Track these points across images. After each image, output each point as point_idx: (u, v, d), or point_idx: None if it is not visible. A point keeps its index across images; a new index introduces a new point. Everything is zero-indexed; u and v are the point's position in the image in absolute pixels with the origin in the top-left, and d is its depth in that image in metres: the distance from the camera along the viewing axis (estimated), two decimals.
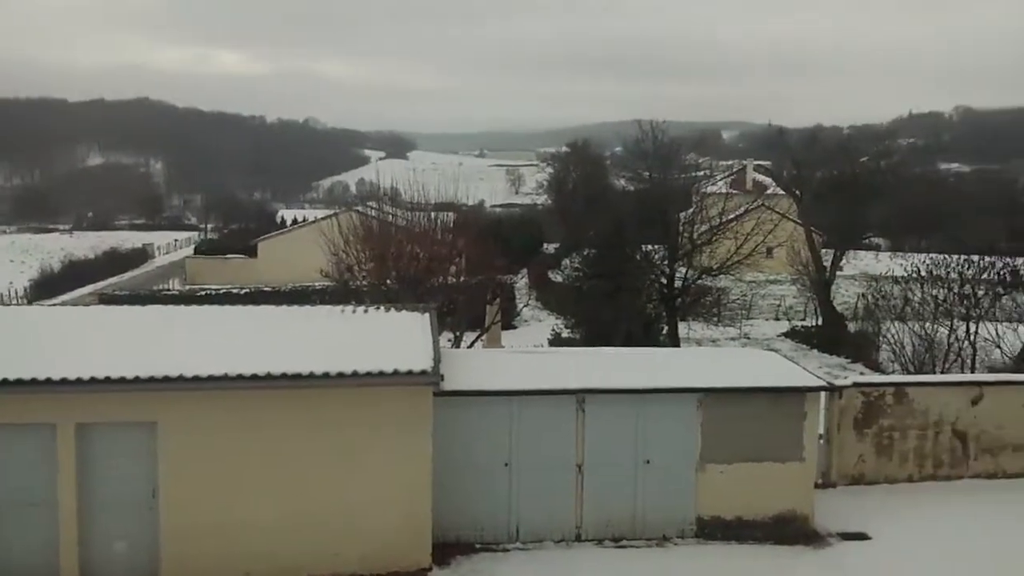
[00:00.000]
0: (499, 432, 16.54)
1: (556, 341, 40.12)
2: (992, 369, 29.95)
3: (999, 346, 30.81)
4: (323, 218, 57.92)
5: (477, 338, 34.60)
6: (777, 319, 55.94)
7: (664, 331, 41.19)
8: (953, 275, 33.47)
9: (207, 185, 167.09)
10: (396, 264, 32.05)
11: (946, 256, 35.73)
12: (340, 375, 14.68)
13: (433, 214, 36.80)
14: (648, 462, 16.94)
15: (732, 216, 47.69)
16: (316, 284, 48.64)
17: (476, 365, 18.14)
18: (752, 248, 44.41)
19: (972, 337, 31.14)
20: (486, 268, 34.92)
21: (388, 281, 31.75)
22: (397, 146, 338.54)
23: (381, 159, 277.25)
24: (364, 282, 33.46)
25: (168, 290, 67.89)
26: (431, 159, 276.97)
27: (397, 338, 16.40)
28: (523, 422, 16.57)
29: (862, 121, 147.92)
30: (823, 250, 54.06)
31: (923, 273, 34.58)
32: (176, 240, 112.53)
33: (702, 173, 63.02)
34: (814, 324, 51.27)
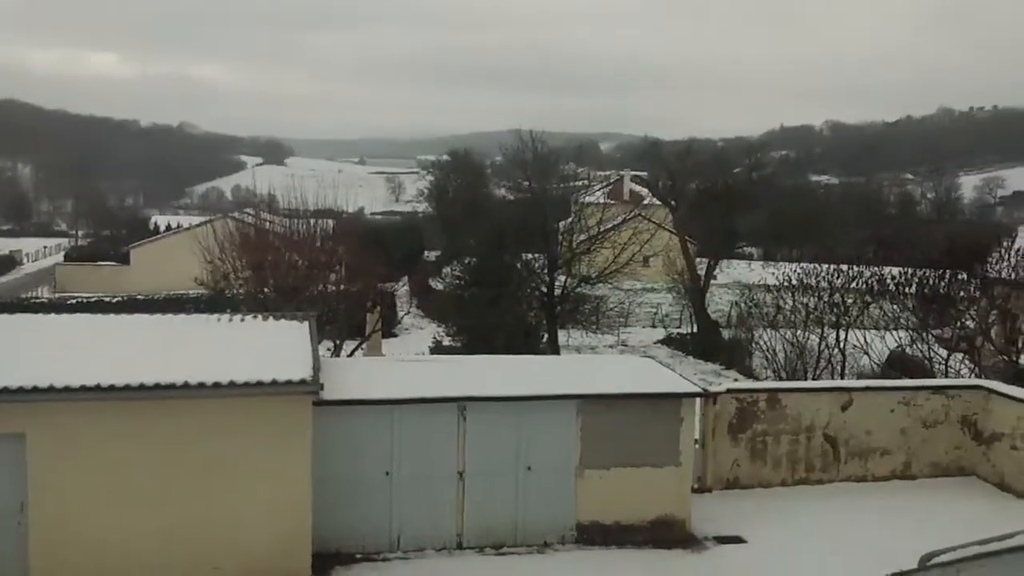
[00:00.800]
0: (380, 441, 16.45)
1: (437, 349, 40.13)
2: (861, 375, 30.93)
3: (867, 353, 31.79)
4: (198, 225, 56.87)
5: (357, 347, 34.40)
6: (654, 326, 56.94)
7: (544, 338, 41.56)
8: (823, 284, 34.46)
9: (78, 190, 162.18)
10: (274, 272, 31.62)
11: (816, 265, 36.78)
12: (217, 385, 14.41)
13: (312, 221, 36.40)
14: (529, 469, 17.04)
15: (610, 226, 48.51)
16: (191, 292, 47.75)
17: (357, 374, 18.02)
18: (629, 257, 45.22)
19: (841, 344, 32.10)
20: (366, 276, 34.64)
21: (266, 289, 31.31)
22: (275, 152, 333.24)
23: (258, 165, 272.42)
24: (241, 290, 32.93)
25: (37, 298, 65.76)
26: (310, 165, 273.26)
27: (276, 347, 16.18)
28: (404, 431, 16.51)
29: (735, 133, 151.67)
30: (698, 259, 55.22)
31: (794, 282, 35.53)
32: (45, 246, 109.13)
33: (580, 183, 63.72)
34: (689, 331, 52.39)
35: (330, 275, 33.12)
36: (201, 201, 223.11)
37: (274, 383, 14.57)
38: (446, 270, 55.83)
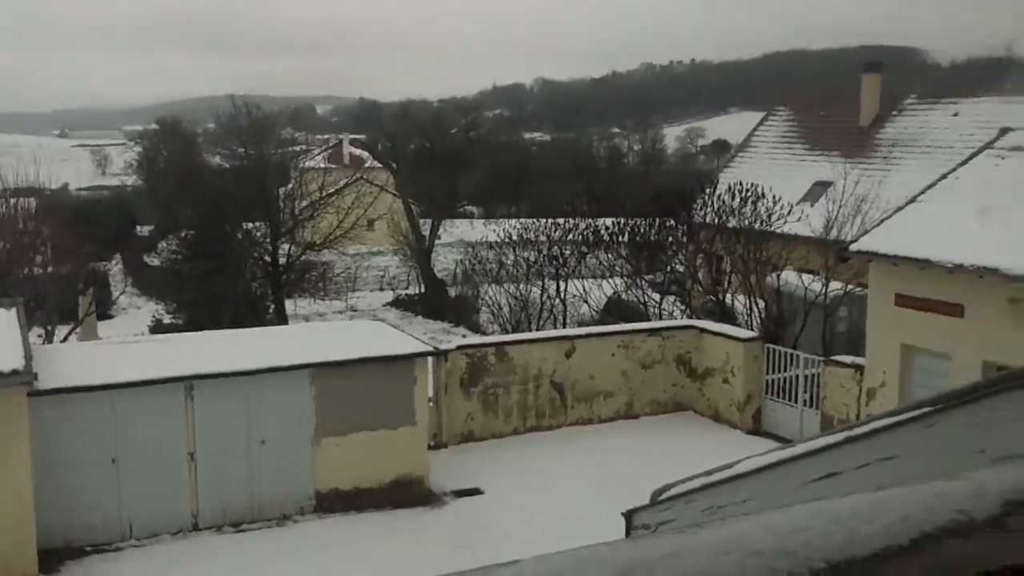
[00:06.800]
0: (103, 428, 15.77)
1: (158, 328, 38.69)
2: (581, 323, 32.13)
3: (586, 301, 33.06)
4: None
5: (71, 331, 32.70)
6: (382, 289, 56.98)
7: (271, 309, 40.89)
8: (542, 238, 35.52)
9: None
10: None
11: (535, 220, 37.85)
12: None
13: (12, 201, 34.30)
14: (263, 442, 16.80)
15: (332, 190, 48.10)
16: None
17: (73, 360, 17.20)
18: (354, 221, 45.09)
19: (562, 294, 33.26)
20: (75, 256, 32.99)
21: None
22: None
23: None
24: None
25: None
26: (7, 141, 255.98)
27: None
28: (128, 415, 15.89)
29: (450, 94, 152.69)
30: (421, 220, 55.64)
31: (515, 238, 36.45)
32: None
33: (299, 148, 62.76)
34: (417, 292, 52.81)
35: (35, 257, 31.33)
36: None
37: None
38: (162, 244, 53.71)
